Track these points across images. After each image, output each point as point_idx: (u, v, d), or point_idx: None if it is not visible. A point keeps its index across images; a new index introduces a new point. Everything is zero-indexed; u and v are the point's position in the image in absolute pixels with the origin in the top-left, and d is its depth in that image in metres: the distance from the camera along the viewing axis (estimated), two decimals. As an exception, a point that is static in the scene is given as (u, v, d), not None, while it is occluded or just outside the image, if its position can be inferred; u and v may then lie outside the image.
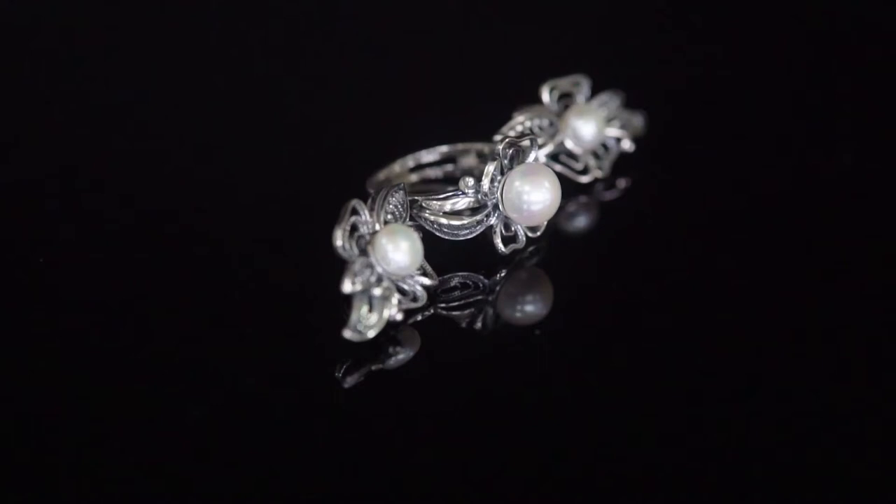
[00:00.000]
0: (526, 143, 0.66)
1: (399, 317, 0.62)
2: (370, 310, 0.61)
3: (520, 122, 0.72)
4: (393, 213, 0.64)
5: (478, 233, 0.66)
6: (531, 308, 0.67)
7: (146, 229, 0.72)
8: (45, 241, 0.71)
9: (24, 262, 0.69)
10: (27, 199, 0.74)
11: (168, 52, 0.89)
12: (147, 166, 0.77)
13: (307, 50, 0.90)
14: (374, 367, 0.62)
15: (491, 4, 0.94)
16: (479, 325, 0.65)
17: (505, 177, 0.66)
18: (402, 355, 0.63)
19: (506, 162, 0.66)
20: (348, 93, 0.85)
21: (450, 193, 0.66)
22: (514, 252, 0.67)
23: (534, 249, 0.69)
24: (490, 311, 0.66)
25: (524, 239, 0.67)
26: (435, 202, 0.66)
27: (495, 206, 0.66)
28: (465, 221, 0.66)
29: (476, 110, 0.76)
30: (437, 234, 0.66)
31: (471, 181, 0.65)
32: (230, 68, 0.87)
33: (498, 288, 0.67)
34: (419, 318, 0.65)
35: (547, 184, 0.66)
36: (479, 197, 0.66)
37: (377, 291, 0.61)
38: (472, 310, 0.66)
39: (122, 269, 0.68)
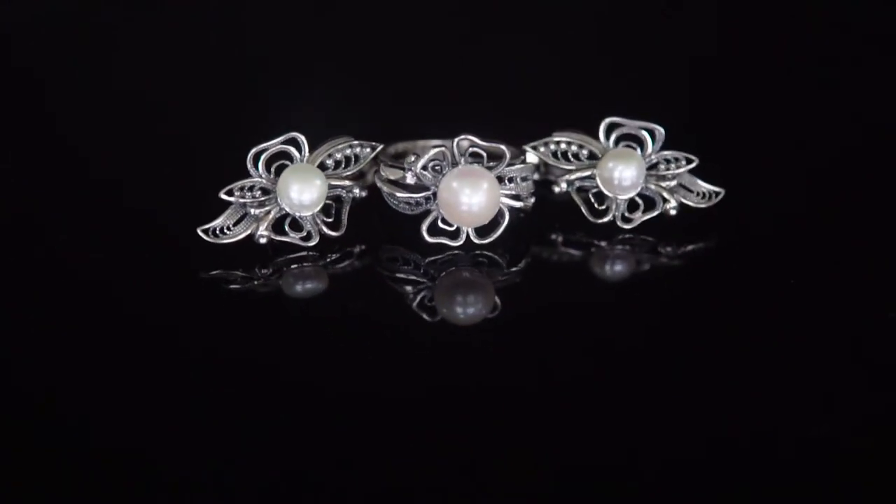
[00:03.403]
0: (499, 150, 0.65)
1: (263, 241, 0.66)
2: (236, 223, 0.66)
3: (553, 140, 0.70)
4: (339, 162, 0.67)
5: (419, 212, 0.67)
6: (461, 308, 0.66)
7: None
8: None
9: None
10: None
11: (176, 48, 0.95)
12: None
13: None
14: (256, 282, 0.66)
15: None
16: (410, 300, 0.66)
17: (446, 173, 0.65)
18: (297, 286, 0.66)
19: (462, 159, 0.66)
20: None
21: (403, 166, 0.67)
22: (444, 247, 0.66)
23: (505, 262, 0.68)
24: (419, 292, 0.66)
25: (463, 239, 0.66)
26: (387, 168, 0.67)
27: (435, 196, 0.66)
28: (403, 195, 0.67)
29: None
30: (385, 198, 0.68)
31: (412, 158, 0.66)
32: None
33: (438, 277, 0.67)
34: (330, 258, 0.67)
35: (485, 185, 0.65)
36: (416, 178, 0.66)
37: (254, 211, 0.66)
38: (404, 286, 0.67)
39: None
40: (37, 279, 0.66)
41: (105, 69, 0.95)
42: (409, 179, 0.67)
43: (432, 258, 0.68)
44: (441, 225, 0.67)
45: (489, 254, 0.68)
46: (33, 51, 0.96)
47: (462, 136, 0.66)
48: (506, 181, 0.67)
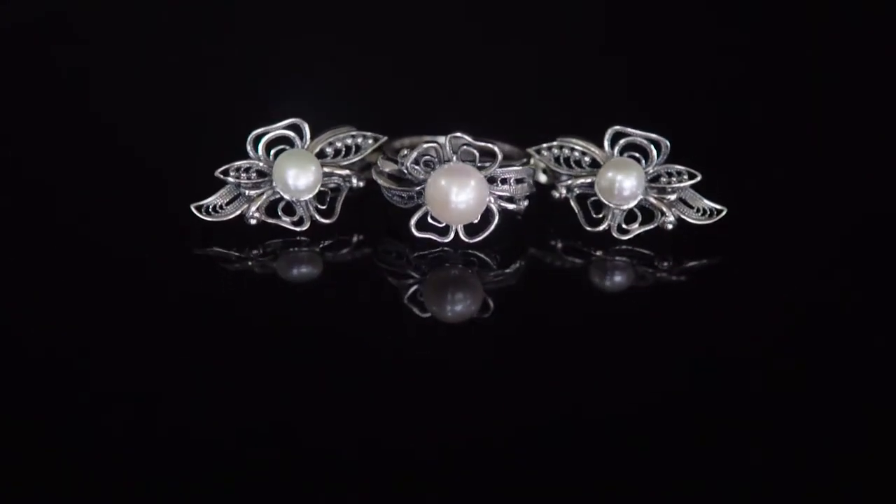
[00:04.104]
0: (491, 150, 0.66)
1: (253, 222, 0.67)
2: (230, 202, 0.68)
3: (556, 145, 0.70)
4: (339, 151, 0.69)
5: (411, 206, 0.67)
6: (449, 306, 0.66)
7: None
8: None
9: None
10: None
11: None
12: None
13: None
14: (251, 262, 0.68)
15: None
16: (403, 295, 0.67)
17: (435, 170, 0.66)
18: (294, 271, 0.68)
19: (454, 156, 0.66)
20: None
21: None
22: (436, 243, 0.67)
23: (496, 263, 0.68)
24: (407, 286, 0.67)
25: (452, 236, 0.67)
26: (384, 160, 0.68)
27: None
28: (393, 187, 0.68)
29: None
30: (382, 190, 0.69)
31: (405, 151, 0.67)
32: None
33: (428, 273, 0.68)
34: (323, 244, 0.69)
35: (472, 183, 0.65)
36: (407, 172, 0.66)
37: (248, 192, 0.67)
38: (394, 278, 0.68)
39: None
40: (32, 251, 0.69)
41: (111, 48, 0.97)
42: (406, 173, 0.67)
43: (427, 253, 0.68)
44: (430, 220, 0.67)
45: (480, 254, 0.68)
46: (44, 31, 0.99)
47: (454, 134, 0.66)
48: (498, 182, 0.67)
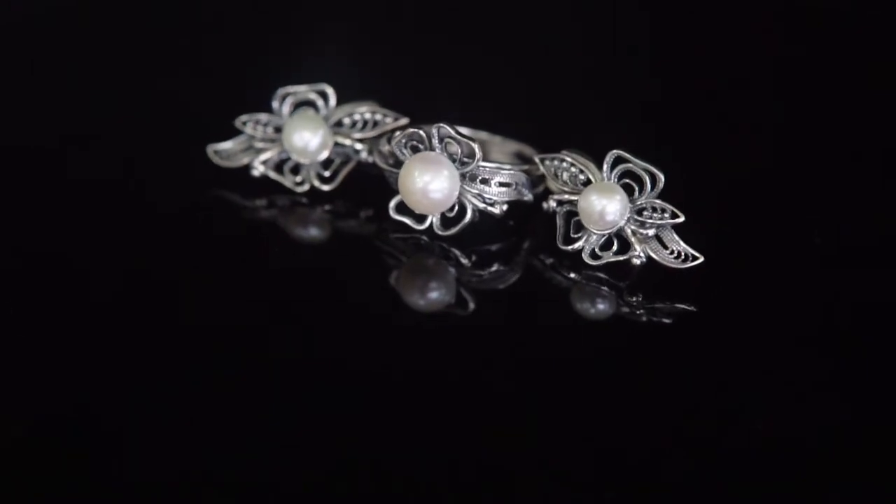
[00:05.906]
0: (471, 147, 0.67)
1: (256, 173, 0.73)
2: (243, 151, 0.73)
3: (559, 157, 0.70)
4: (356, 124, 0.72)
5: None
6: (421, 294, 0.69)
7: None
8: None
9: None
10: None
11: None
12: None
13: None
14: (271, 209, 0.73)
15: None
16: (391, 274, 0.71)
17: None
18: (301, 232, 0.73)
19: (439, 146, 0.68)
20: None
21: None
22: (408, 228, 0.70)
23: (469, 261, 0.70)
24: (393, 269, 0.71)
25: (428, 224, 0.69)
26: (384, 141, 0.72)
27: None
28: (384, 167, 0.70)
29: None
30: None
31: (397, 134, 0.69)
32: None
33: (406, 259, 0.71)
34: (324, 208, 0.73)
35: (445, 173, 0.67)
36: (393, 154, 0.69)
37: (258, 144, 0.72)
38: (386, 258, 0.71)
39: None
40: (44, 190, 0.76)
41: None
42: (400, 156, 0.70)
43: (405, 237, 0.71)
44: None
45: (454, 249, 0.70)
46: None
47: (439, 124, 0.68)
48: (477, 181, 0.69)
